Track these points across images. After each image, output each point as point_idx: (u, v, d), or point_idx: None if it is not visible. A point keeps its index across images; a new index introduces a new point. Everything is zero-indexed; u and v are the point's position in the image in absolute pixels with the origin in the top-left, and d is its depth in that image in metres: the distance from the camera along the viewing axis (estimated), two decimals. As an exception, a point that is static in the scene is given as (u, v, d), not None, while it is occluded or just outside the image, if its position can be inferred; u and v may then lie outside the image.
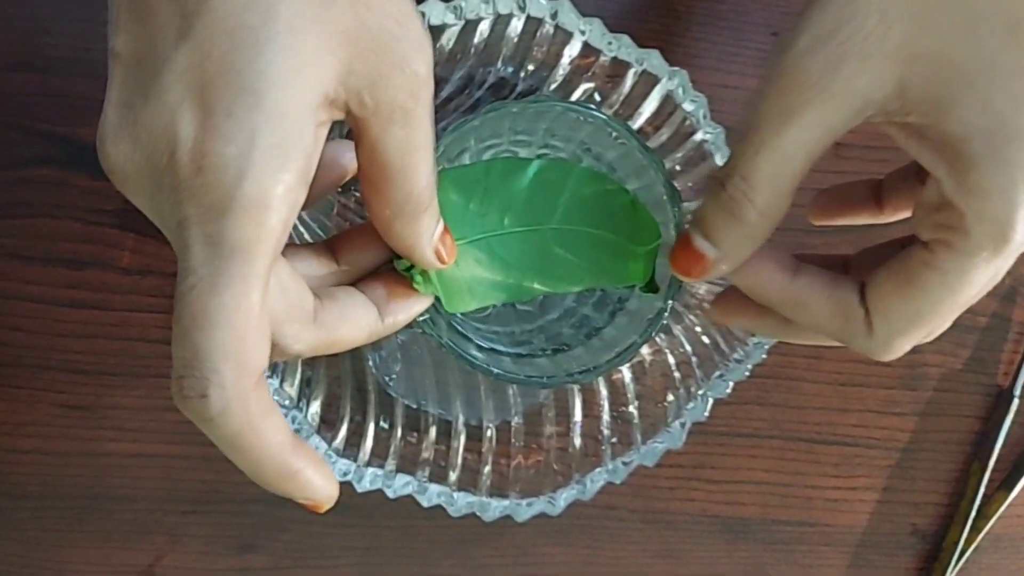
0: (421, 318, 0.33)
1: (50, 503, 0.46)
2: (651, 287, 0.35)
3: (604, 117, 0.35)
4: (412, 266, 0.32)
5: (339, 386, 0.44)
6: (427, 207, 0.30)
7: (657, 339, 0.44)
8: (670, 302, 0.35)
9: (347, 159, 0.32)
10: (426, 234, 0.31)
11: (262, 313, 0.26)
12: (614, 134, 0.35)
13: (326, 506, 0.30)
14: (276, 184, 0.25)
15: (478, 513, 0.43)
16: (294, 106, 0.26)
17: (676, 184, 0.39)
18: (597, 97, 0.45)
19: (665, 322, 0.34)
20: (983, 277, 0.28)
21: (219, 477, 0.46)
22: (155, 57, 0.25)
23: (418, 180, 0.29)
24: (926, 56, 0.27)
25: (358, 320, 0.30)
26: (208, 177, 0.25)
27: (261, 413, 0.27)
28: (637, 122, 0.44)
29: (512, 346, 0.39)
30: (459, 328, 0.39)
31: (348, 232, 0.33)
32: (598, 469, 0.44)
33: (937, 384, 0.51)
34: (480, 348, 0.38)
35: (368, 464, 0.43)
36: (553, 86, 0.45)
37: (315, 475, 0.29)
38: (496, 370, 0.34)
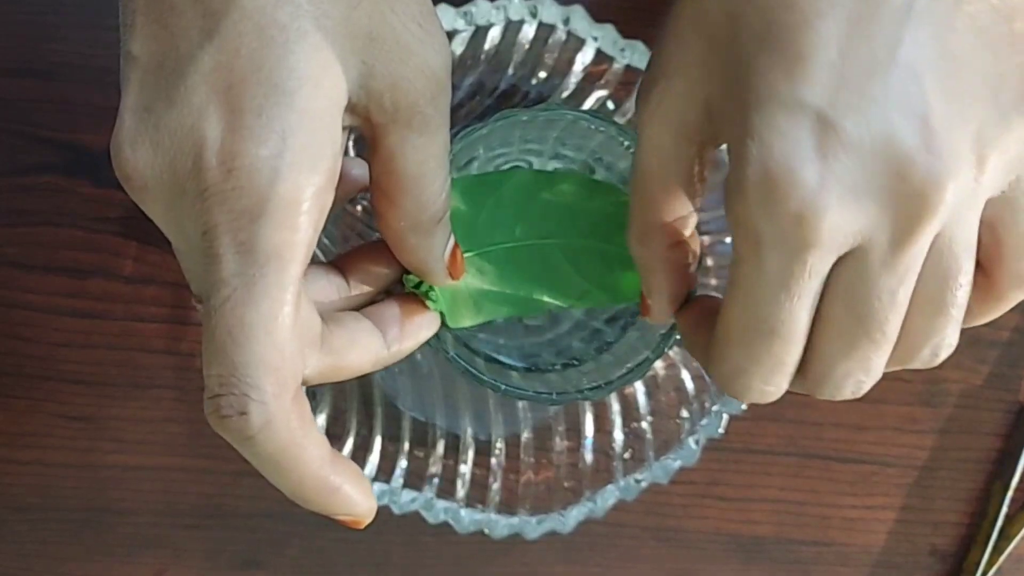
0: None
1: (50, 515, 0.45)
2: None
3: (615, 127, 0.34)
4: (421, 283, 0.31)
5: (344, 399, 0.44)
6: (441, 219, 0.29)
7: (670, 353, 0.44)
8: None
9: (355, 173, 0.31)
10: (439, 247, 0.30)
11: (298, 323, 0.25)
12: (626, 143, 0.34)
13: (366, 521, 0.28)
14: (308, 186, 0.25)
15: (486, 531, 0.42)
16: (324, 106, 0.25)
17: None
18: (610, 105, 0.44)
19: (678, 337, 0.33)
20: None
21: (222, 491, 0.46)
22: (178, 58, 0.24)
23: (434, 190, 0.28)
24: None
25: (365, 347, 0.29)
26: (240, 180, 0.24)
27: (303, 428, 0.26)
28: None
29: (521, 360, 0.38)
30: (465, 342, 0.38)
31: (357, 250, 0.32)
32: (610, 486, 0.43)
33: (957, 401, 0.50)
34: (488, 361, 0.37)
35: (374, 479, 0.43)
36: (565, 94, 0.44)
37: (355, 490, 0.27)
38: (503, 385, 0.33)
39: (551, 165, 0.39)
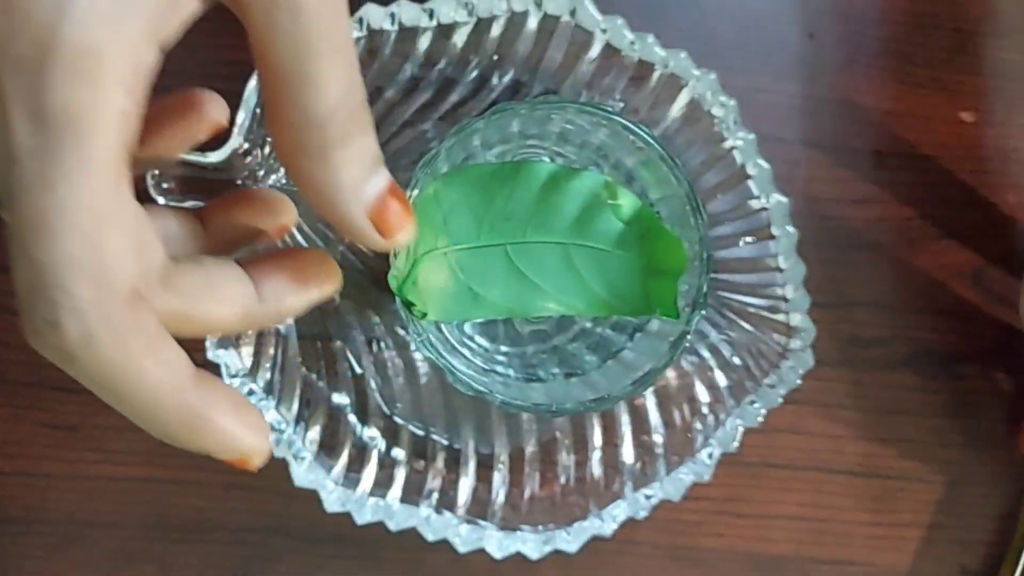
0: (418, 337, 0.30)
1: (33, 528, 0.43)
2: (672, 312, 0.32)
3: (620, 119, 0.32)
4: (403, 286, 0.29)
5: (340, 409, 0.42)
6: (342, 141, 0.23)
7: (683, 363, 0.42)
8: (693, 324, 0.32)
9: (216, 111, 0.26)
10: (347, 183, 0.23)
11: (122, 211, 0.21)
12: (632, 138, 0.32)
13: (255, 461, 0.24)
14: (110, 33, 0.20)
15: (487, 549, 0.40)
16: None
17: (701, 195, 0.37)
18: (620, 101, 0.42)
19: (688, 345, 0.31)
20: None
21: (212, 504, 0.44)
22: None
23: (320, 96, 0.22)
24: None
25: (227, 295, 0.24)
26: (17, 22, 0.19)
27: (144, 343, 0.21)
28: (661, 127, 0.42)
29: (522, 369, 0.36)
30: (460, 349, 0.36)
31: (222, 198, 0.27)
32: (619, 502, 0.42)
33: (986, 413, 0.48)
34: (485, 371, 0.35)
35: (370, 493, 0.41)
36: (573, 90, 0.42)
37: (232, 421, 0.23)
38: (501, 397, 0.31)
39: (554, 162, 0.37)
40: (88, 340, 0.21)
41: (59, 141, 0.20)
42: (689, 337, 0.32)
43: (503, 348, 0.37)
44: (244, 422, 0.23)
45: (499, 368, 0.36)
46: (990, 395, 0.48)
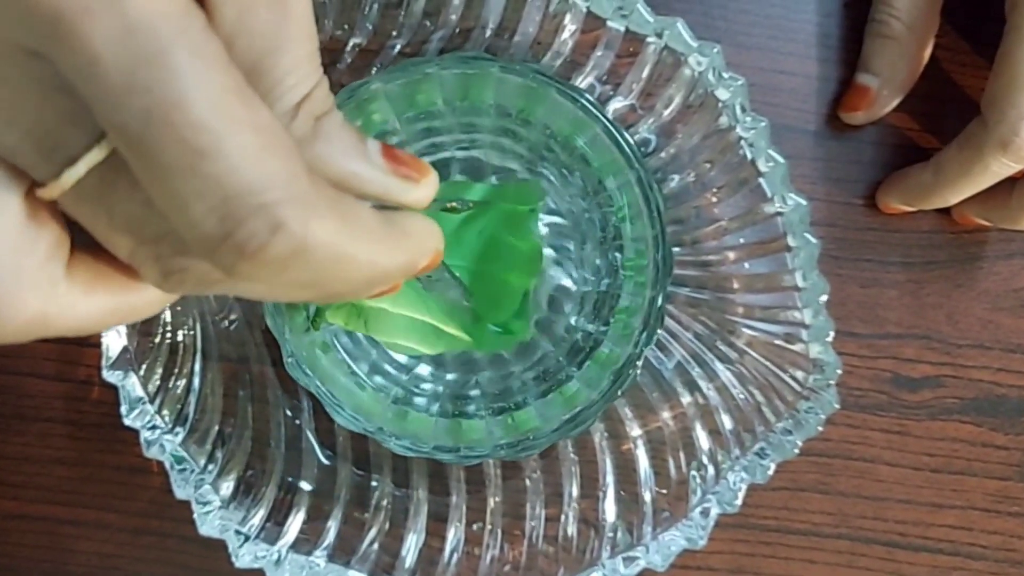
0: (289, 358, 0.24)
1: (-83, 574, 0.39)
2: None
3: (552, 80, 0.25)
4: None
5: (264, 445, 0.36)
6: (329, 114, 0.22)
7: (681, 400, 0.37)
8: (643, 348, 0.25)
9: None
10: (353, 150, 0.22)
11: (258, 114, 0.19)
12: (573, 107, 0.26)
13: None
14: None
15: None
16: None
17: (695, 182, 0.31)
18: (605, 83, 0.36)
19: (633, 374, 0.24)
20: None
21: (119, 551, 0.39)
22: None
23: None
24: None
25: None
26: None
27: (344, 203, 0.20)
28: (661, 116, 0.36)
29: (450, 400, 0.29)
30: (370, 378, 0.30)
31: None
32: (594, 572, 0.36)
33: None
34: (395, 402, 0.28)
35: (293, 548, 0.35)
36: (552, 70, 0.37)
37: (418, 219, 0.23)
38: (395, 441, 0.24)
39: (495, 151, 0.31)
40: (307, 221, 0.19)
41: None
42: (639, 364, 0.24)
43: (449, 376, 0.31)
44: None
45: (418, 400, 0.29)
46: (1071, 454, 0.41)
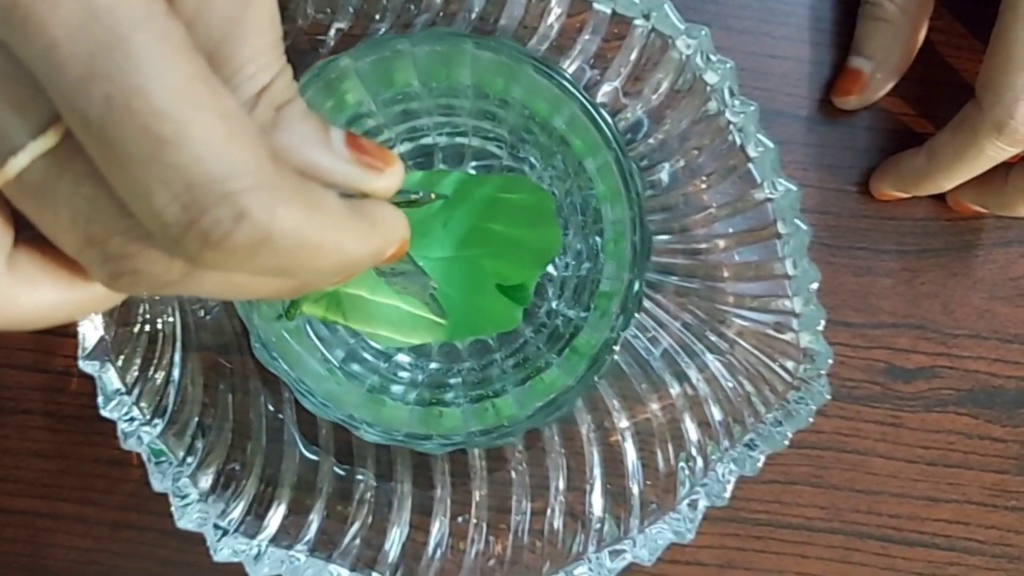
0: (256, 340, 0.23)
1: None
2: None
3: (525, 56, 0.24)
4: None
5: (245, 438, 0.36)
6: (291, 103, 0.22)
7: (670, 391, 0.37)
8: (619, 332, 0.24)
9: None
10: (314, 139, 0.22)
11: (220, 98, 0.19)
12: (550, 85, 0.25)
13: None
14: None
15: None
16: None
17: (684, 169, 0.31)
18: (593, 68, 0.36)
19: (609, 359, 0.24)
20: None
21: (98, 545, 0.38)
22: None
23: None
24: None
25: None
26: None
27: (306, 188, 0.20)
28: (649, 101, 0.35)
29: (428, 389, 0.29)
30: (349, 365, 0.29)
31: None
32: (579, 566, 0.35)
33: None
34: (371, 391, 0.28)
35: (273, 542, 0.35)
36: (538, 54, 0.36)
37: (385, 207, 0.22)
38: (367, 428, 0.24)
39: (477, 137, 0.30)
40: (273, 209, 0.19)
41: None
42: (616, 349, 0.24)
43: (432, 365, 0.31)
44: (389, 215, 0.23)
45: (395, 388, 0.29)
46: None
